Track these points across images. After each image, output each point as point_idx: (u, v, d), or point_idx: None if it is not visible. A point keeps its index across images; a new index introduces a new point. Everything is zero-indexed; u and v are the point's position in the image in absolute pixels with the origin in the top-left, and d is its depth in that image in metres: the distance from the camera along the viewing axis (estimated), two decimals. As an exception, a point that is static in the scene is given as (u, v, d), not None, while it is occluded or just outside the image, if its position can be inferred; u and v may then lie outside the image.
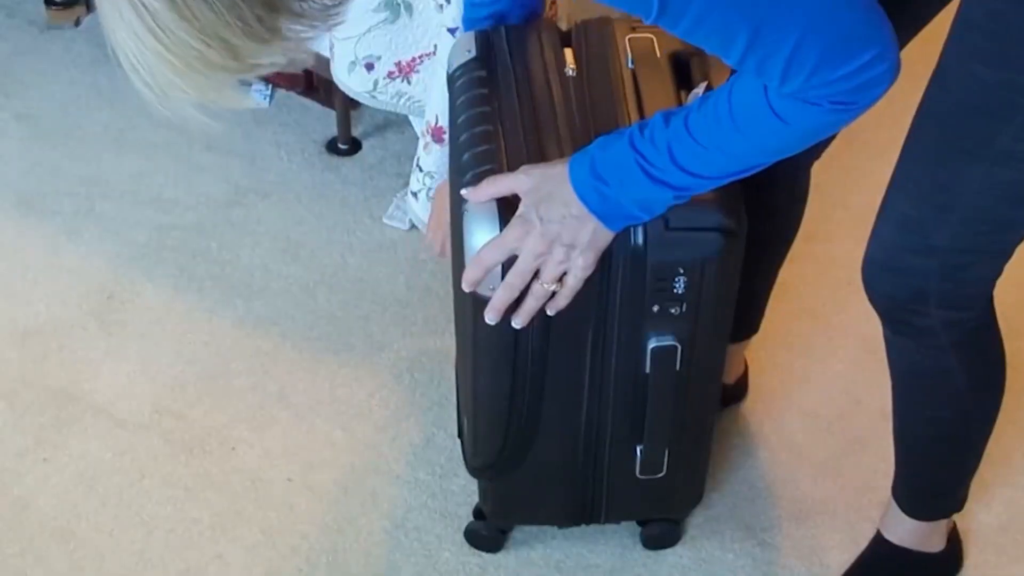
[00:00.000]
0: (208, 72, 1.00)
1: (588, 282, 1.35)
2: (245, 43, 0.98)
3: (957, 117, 1.25)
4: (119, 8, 0.97)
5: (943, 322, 1.38)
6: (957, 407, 1.49)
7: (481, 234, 1.32)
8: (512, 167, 1.35)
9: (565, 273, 1.31)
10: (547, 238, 1.28)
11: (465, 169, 1.37)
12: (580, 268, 1.30)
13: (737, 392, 1.88)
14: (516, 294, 1.32)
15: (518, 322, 1.34)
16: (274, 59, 1.01)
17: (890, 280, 1.37)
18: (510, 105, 1.43)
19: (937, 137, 1.27)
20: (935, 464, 1.59)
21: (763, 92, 1.16)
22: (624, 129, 1.27)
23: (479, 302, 1.36)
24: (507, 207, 1.32)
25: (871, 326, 1.95)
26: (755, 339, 1.83)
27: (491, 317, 1.34)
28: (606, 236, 1.29)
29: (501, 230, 1.31)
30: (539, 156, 1.38)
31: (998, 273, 1.36)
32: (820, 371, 1.94)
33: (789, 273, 1.76)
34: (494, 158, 1.36)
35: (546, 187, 1.28)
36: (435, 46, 1.85)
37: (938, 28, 1.36)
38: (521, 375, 1.44)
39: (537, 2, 1.51)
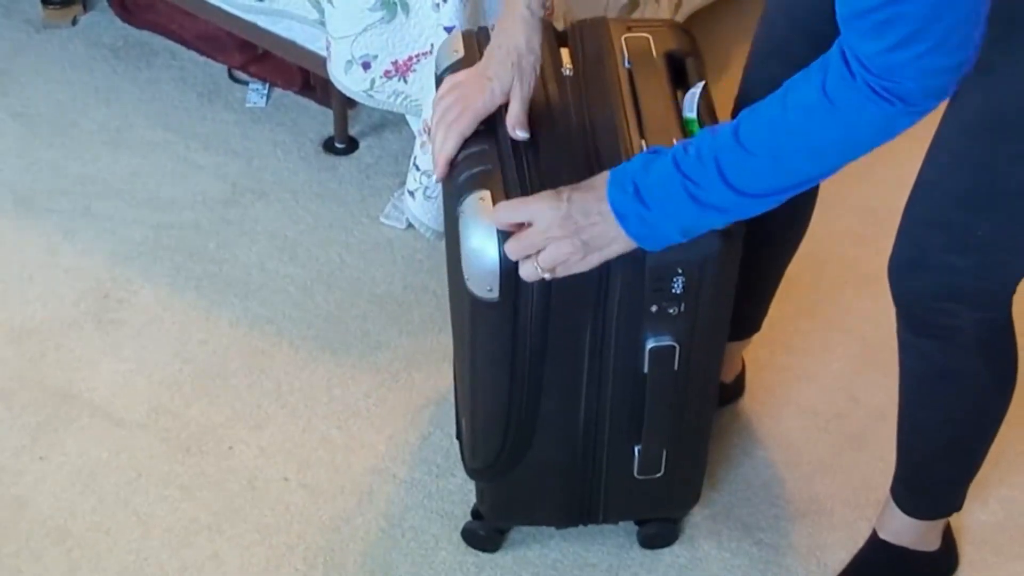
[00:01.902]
0: None
1: (587, 283, 1.35)
2: None
3: (1009, 120, 1.23)
4: None
5: (973, 322, 1.38)
6: (975, 407, 1.49)
7: (478, 237, 1.32)
8: (506, 168, 1.35)
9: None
10: (569, 227, 1.26)
11: (459, 173, 1.37)
12: (583, 265, 1.29)
13: (735, 390, 1.88)
14: (514, 260, 1.31)
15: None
16: None
17: (923, 279, 1.37)
18: (504, 106, 1.44)
19: (980, 135, 1.26)
20: (942, 465, 1.58)
21: (821, 88, 1.13)
22: (666, 149, 1.24)
23: (477, 305, 1.36)
24: None
25: (869, 325, 1.96)
26: (753, 338, 1.83)
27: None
28: (627, 248, 1.27)
29: (498, 231, 1.31)
30: (535, 156, 1.38)
31: None
32: (818, 370, 1.94)
33: (787, 272, 1.76)
34: (485, 160, 1.36)
35: (575, 203, 1.26)
36: (432, 45, 1.85)
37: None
38: (519, 375, 1.43)
39: None
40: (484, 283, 1.33)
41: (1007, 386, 1.49)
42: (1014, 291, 1.39)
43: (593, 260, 1.28)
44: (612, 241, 1.26)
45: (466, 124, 1.39)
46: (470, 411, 1.55)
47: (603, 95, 1.43)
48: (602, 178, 1.26)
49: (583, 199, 1.26)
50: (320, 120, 2.29)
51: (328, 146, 2.27)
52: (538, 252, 1.28)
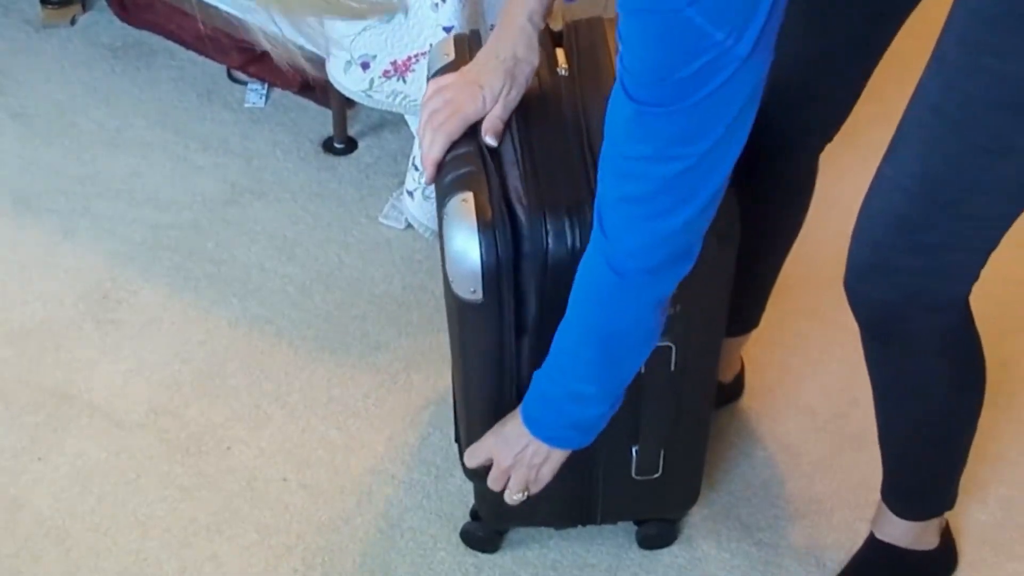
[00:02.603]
0: None
1: None
2: None
3: (967, 112, 1.22)
4: None
5: (929, 325, 1.37)
6: (942, 408, 1.49)
7: (460, 239, 1.32)
8: (491, 171, 1.35)
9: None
10: (514, 455, 1.42)
11: (445, 174, 1.37)
12: (545, 476, 1.43)
13: (734, 390, 1.88)
14: (499, 488, 1.47)
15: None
16: None
17: (881, 283, 1.35)
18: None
19: (943, 133, 1.25)
20: (922, 465, 1.58)
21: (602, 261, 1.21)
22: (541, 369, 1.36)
23: (463, 306, 1.36)
24: (482, 211, 1.32)
25: (868, 325, 1.96)
26: (752, 337, 1.83)
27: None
28: (563, 454, 1.41)
29: (479, 231, 1.31)
30: (530, 156, 1.38)
31: (980, 270, 1.35)
32: (817, 369, 1.94)
33: (785, 272, 1.75)
34: (470, 162, 1.36)
35: (507, 429, 1.43)
36: (431, 45, 1.85)
37: (919, 24, 1.36)
38: (509, 375, 1.43)
39: None
40: (467, 285, 1.33)
41: (972, 386, 1.48)
42: (969, 291, 1.37)
43: (546, 472, 1.42)
44: (548, 453, 1.40)
45: (454, 128, 1.40)
46: (465, 412, 1.55)
47: (598, 94, 1.43)
48: (520, 406, 1.41)
49: (513, 427, 1.41)
50: (319, 120, 2.29)
51: (327, 146, 2.27)
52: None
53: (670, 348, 1.41)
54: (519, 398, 1.45)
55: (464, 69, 1.42)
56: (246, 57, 2.33)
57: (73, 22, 2.49)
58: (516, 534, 1.72)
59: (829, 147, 1.62)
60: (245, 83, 2.37)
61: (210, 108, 2.32)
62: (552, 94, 1.43)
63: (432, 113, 1.41)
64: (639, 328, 1.26)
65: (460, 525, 1.71)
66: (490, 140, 1.39)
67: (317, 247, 2.10)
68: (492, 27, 1.54)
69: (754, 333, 1.82)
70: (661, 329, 1.26)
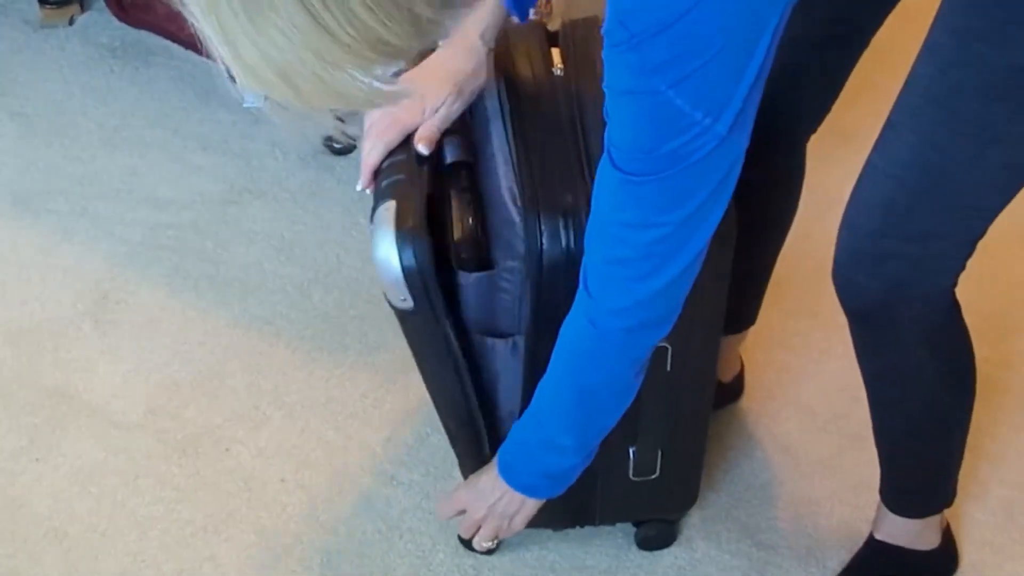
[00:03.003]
0: (373, 57, 0.85)
1: (576, 283, 1.35)
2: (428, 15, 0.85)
3: (957, 101, 1.22)
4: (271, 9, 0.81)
5: (915, 315, 1.38)
6: (931, 401, 1.49)
7: (383, 247, 1.33)
8: (501, 169, 1.35)
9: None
10: (487, 506, 1.45)
11: (380, 182, 1.39)
12: (517, 526, 1.47)
13: (733, 390, 1.88)
14: (469, 536, 1.51)
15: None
16: (446, 30, 0.90)
17: (868, 271, 1.35)
18: (495, 107, 1.43)
19: (932, 121, 1.25)
20: (916, 461, 1.58)
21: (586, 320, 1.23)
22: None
23: (401, 315, 1.39)
24: (403, 219, 1.33)
25: (868, 324, 1.95)
26: (751, 337, 1.83)
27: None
28: (537, 503, 1.45)
29: (398, 240, 1.32)
30: (525, 156, 1.37)
31: (965, 261, 1.35)
32: (816, 369, 1.93)
33: (785, 271, 1.75)
34: (400, 170, 1.38)
35: (481, 482, 1.46)
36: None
37: (911, 15, 1.35)
38: (465, 377, 1.44)
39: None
40: (396, 293, 1.35)
41: (960, 379, 1.48)
42: (954, 282, 1.37)
43: (519, 522, 1.46)
44: (522, 503, 1.44)
45: (393, 137, 1.41)
46: (441, 419, 1.56)
47: (594, 95, 1.43)
48: (495, 458, 1.44)
49: (488, 480, 1.44)
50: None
51: (326, 146, 2.26)
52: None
53: (666, 349, 1.41)
54: (482, 401, 1.46)
55: (406, 78, 1.43)
56: (245, 57, 2.32)
57: (71, 22, 2.49)
58: (515, 535, 1.71)
59: (827, 146, 1.62)
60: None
61: (209, 108, 2.32)
62: (548, 94, 1.43)
63: (374, 121, 1.42)
64: (615, 384, 1.29)
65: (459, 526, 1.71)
66: (421, 148, 1.40)
67: (316, 247, 2.09)
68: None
69: (754, 333, 1.82)
70: (637, 388, 1.29)
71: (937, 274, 1.34)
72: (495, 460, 1.44)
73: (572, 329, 1.26)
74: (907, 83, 1.28)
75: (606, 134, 1.10)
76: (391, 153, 1.40)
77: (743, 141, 1.09)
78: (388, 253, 1.32)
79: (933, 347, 1.42)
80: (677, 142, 1.04)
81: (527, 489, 1.43)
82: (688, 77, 1.00)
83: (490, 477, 1.44)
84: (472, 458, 1.56)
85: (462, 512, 1.50)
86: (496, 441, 1.51)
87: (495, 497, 1.44)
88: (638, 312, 1.19)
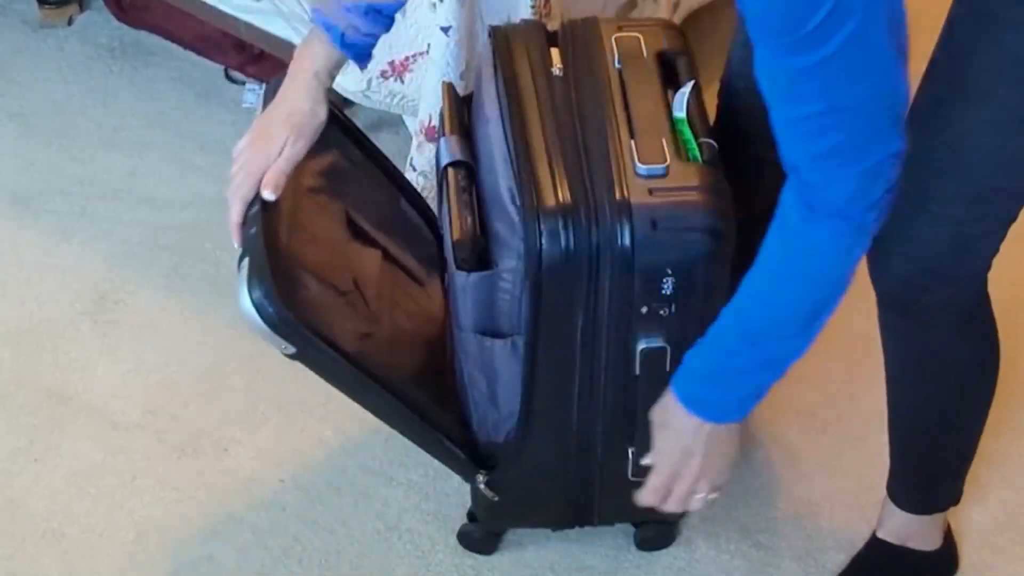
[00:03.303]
0: None
1: (577, 285, 1.35)
2: None
3: (982, 85, 1.23)
4: None
5: (947, 299, 1.38)
6: (957, 387, 1.49)
7: (242, 304, 1.34)
8: (500, 169, 1.35)
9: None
10: (685, 455, 1.35)
11: (243, 234, 1.42)
12: (718, 477, 1.37)
13: (733, 391, 1.87)
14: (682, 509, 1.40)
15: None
16: None
17: (901, 254, 1.36)
18: (494, 107, 1.43)
19: (957, 105, 1.26)
20: (933, 451, 1.58)
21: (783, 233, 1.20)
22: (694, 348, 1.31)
23: (293, 359, 1.39)
24: (256, 274, 1.33)
25: (867, 324, 1.94)
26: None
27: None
28: (733, 439, 1.36)
29: (251, 295, 1.33)
30: (526, 156, 1.37)
31: (998, 245, 1.36)
32: (815, 370, 1.93)
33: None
34: (254, 223, 1.40)
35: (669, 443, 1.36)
36: (428, 45, 1.85)
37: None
38: (384, 394, 1.46)
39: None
40: (274, 343, 1.36)
41: (987, 367, 1.48)
42: (988, 267, 1.38)
43: (730, 451, 1.37)
44: (719, 438, 1.34)
45: (247, 190, 1.42)
46: None
47: (593, 95, 1.43)
48: (672, 399, 1.33)
49: (676, 434, 1.34)
50: (317, 120, 2.28)
51: (325, 146, 2.26)
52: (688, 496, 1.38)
53: (666, 349, 1.41)
54: (434, 410, 1.49)
55: (257, 126, 1.44)
56: (244, 57, 2.32)
57: (70, 22, 2.49)
58: (514, 535, 1.71)
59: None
60: (243, 83, 2.36)
61: (208, 108, 2.32)
62: (546, 94, 1.43)
63: (232, 176, 1.44)
64: (842, 281, 1.24)
65: (458, 527, 1.71)
66: (266, 194, 1.41)
67: (315, 247, 2.09)
68: (489, 28, 1.54)
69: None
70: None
71: (971, 257, 1.35)
72: (670, 403, 1.34)
73: (801, 239, 1.20)
74: (927, 73, 1.29)
75: (748, 30, 1.09)
76: (250, 205, 1.41)
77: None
78: (247, 309, 1.34)
79: (963, 332, 1.42)
80: (821, 13, 1.03)
81: (736, 412, 1.36)
82: None
83: (679, 420, 1.35)
84: (451, 464, 1.57)
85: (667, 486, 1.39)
86: (475, 447, 1.52)
87: (700, 443, 1.35)
88: (873, 187, 1.14)
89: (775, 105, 1.13)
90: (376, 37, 1.45)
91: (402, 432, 1.55)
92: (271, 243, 1.37)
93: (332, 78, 1.44)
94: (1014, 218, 1.33)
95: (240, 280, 1.35)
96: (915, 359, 1.48)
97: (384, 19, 1.43)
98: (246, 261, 1.36)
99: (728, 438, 1.35)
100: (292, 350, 1.37)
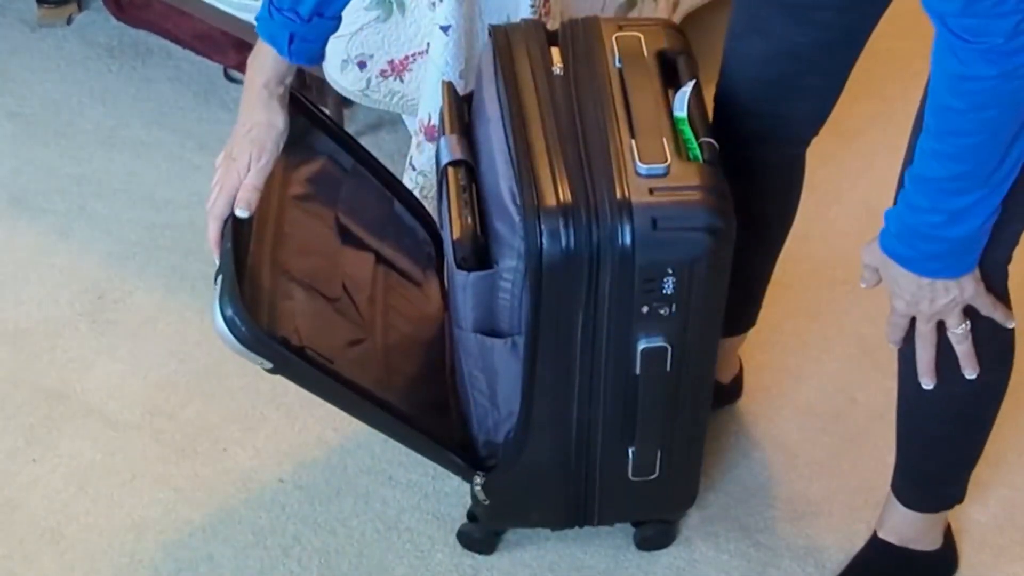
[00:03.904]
0: None
1: (577, 284, 1.35)
2: None
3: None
4: None
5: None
6: (971, 381, 1.48)
7: (218, 324, 1.35)
8: (501, 169, 1.35)
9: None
10: (914, 297, 1.35)
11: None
12: (948, 306, 1.35)
13: (732, 392, 1.87)
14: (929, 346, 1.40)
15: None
16: None
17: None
18: (495, 107, 1.43)
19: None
20: (942, 447, 1.57)
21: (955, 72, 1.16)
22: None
23: (274, 373, 1.40)
24: (227, 291, 1.35)
25: (867, 325, 1.95)
26: (750, 338, 1.82)
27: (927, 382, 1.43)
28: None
29: (224, 315, 1.34)
30: (527, 155, 1.37)
31: (1019, 236, 1.35)
32: (815, 370, 1.93)
33: (784, 272, 1.75)
34: (228, 238, 1.42)
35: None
36: (428, 44, 1.84)
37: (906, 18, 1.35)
38: (365, 404, 1.47)
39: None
40: (251, 359, 1.37)
41: (1002, 362, 1.47)
42: (1007, 260, 1.37)
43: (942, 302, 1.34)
44: (949, 287, 1.32)
45: (221, 208, 1.43)
46: None
47: (594, 94, 1.43)
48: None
49: (890, 271, 1.33)
50: (316, 119, 2.28)
51: (324, 145, 2.26)
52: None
53: (666, 349, 1.41)
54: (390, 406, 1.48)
55: (227, 145, 1.46)
56: (243, 56, 2.30)
57: (69, 21, 2.48)
58: (513, 535, 1.71)
59: (828, 146, 1.62)
60: (242, 82, 2.35)
61: (207, 107, 2.32)
62: (547, 94, 1.43)
63: (209, 195, 1.45)
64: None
65: (457, 526, 1.70)
66: (239, 212, 1.43)
67: (314, 247, 2.09)
68: (489, 27, 1.53)
69: (753, 334, 1.81)
70: None
71: (988, 249, 1.33)
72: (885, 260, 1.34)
73: (960, 88, 1.17)
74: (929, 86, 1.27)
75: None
76: (225, 222, 1.43)
77: None
78: (222, 329, 1.35)
79: (980, 326, 1.41)
80: None
81: (944, 268, 1.32)
82: None
83: (893, 278, 1.34)
84: (448, 466, 1.57)
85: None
86: (475, 446, 1.52)
87: (922, 291, 1.34)
88: (1022, 32, 1.11)
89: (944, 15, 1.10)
90: (323, 42, 1.45)
91: (394, 439, 1.56)
92: (244, 259, 1.39)
93: (285, 86, 1.46)
94: None
95: (214, 299, 1.36)
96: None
97: (328, 22, 1.44)
98: (217, 283, 1.38)
99: (952, 286, 1.33)
100: (269, 365, 1.39)
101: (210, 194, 1.45)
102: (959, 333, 1.38)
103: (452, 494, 1.75)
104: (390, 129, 2.29)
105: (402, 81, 1.92)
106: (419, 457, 1.79)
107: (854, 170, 2.15)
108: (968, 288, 1.34)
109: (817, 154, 1.62)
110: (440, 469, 1.77)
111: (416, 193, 1.92)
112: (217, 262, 1.43)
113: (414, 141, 1.93)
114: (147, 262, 2.06)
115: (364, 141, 2.26)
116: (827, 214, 2.11)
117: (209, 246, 1.45)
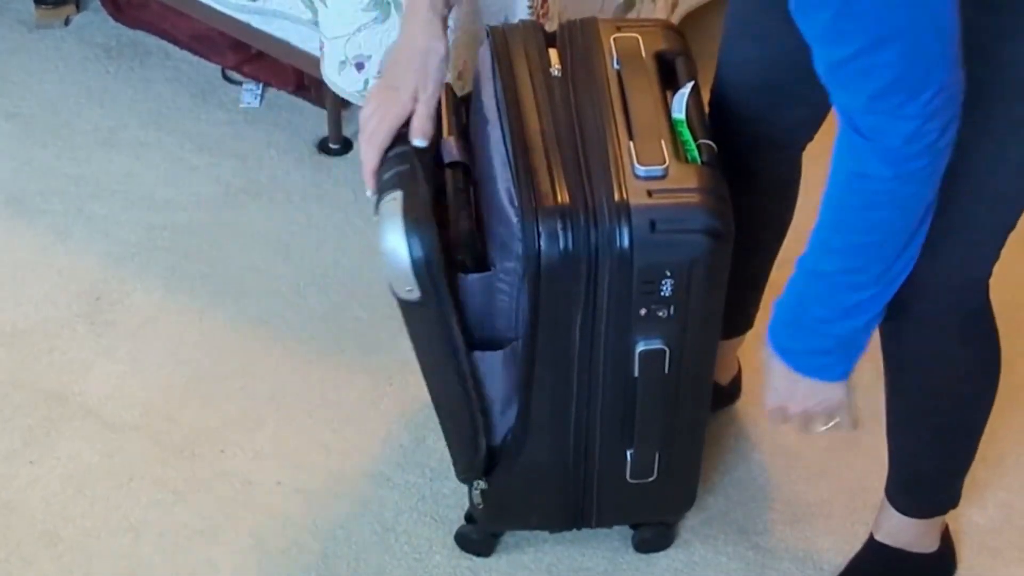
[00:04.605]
0: None
1: (575, 286, 1.35)
2: None
3: (981, 99, 1.22)
4: None
5: (948, 305, 1.38)
6: (958, 393, 1.48)
7: (391, 238, 1.32)
8: (499, 170, 1.35)
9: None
10: (788, 399, 1.37)
11: (382, 175, 1.39)
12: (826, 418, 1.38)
13: (731, 393, 1.87)
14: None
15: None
16: None
17: None
18: (493, 108, 1.43)
19: (960, 117, 1.23)
20: (933, 455, 1.57)
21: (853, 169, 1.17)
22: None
23: (406, 307, 1.38)
24: (410, 209, 1.32)
25: (865, 326, 1.95)
26: (749, 340, 1.82)
27: None
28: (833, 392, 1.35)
29: (406, 229, 1.31)
30: (525, 157, 1.37)
31: (999, 251, 1.35)
32: (814, 372, 1.93)
33: (783, 274, 1.73)
34: (404, 161, 1.38)
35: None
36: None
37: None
38: (465, 372, 1.43)
39: None
40: (403, 283, 1.34)
41: (989, 371, 1.47)
42: (989, 273, 1.38)
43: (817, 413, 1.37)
44: (820, 390, 1.34)
45: (382, 137, 1.40)
46: (437, 414, 1.55)
47: (592, 96, 1.42)
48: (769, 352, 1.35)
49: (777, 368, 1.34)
50: (314, 121, 2.28)
51: (322, 147, 2.26)
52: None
53: (664, 351, 1.41)
54: (479, 397, 1.45)
55: (385, 73, 1.43)
56: (241, 57, 2.32)
57: (67, 22, 2.48)
58: (511, 537, 1.71)
59: (826, 145, 1.61)
60: (240, 83, 2.36)
61: (205, 108, 2.31)
62: (544, 95, 1.42)
63: (364, 123, 1.42)
64: (917, 213, 1.21)
65: (455, 528, 1.70)
66: (418, 142, 1.40)
67: (312, 248, 2.09)
68: (487, 28, 1.53)
69: (751, 336, 1.81)
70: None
71: (971, 265, 1.34)
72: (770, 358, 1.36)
73: (862, 182, 1.17)
74: None
75: None
76: (388, 149, 1.40)
77: None
78: (396, 243, 1.32)
79: (964, 337, 1.41)
80: None
81: (820, 369, 1.34)
82: None
83: (779, 368, 1.36)
84: (465, 456, 1.55)
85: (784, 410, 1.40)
86: (495, 450, 1.51)
87: (795, 389, 1.35)
88: (929, 127, 1.11)
89: (819, 51, 1.10)
90: None
91: (446, 412, 1.51)
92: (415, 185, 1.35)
93: (449, 8, 1.40)
94: (1014, 225, 1.32)
95: (388, 217, 1.32)
96: (916, 365, 1.47)
97: None
98: (397, 195, 1.33)
99: (824, 389, 1.34)
100: (416, 296, 1.34)
101: (365, 123, 1.41)
102: (822, 430, 1.40)
103: (450, 496, 1.75)
104: (388, 130, 2.28)
105: (400, 82, 1.92)
106: (417, 459, 1.80)
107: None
108: (837, 396, 1.35)
109: (815, 154, 1.62)
110: (438, 471, 1.78)
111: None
112: (370, 191, 1.40)
113: (412, 142, 1.92)
114: (146, 263, 2.06)
115: (362, 142, 2.27)
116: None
117: (363, 176, 1.41)
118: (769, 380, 1.37)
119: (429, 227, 1.31)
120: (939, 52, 1.09)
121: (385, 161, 1.39)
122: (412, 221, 1.32)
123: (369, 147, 1.41)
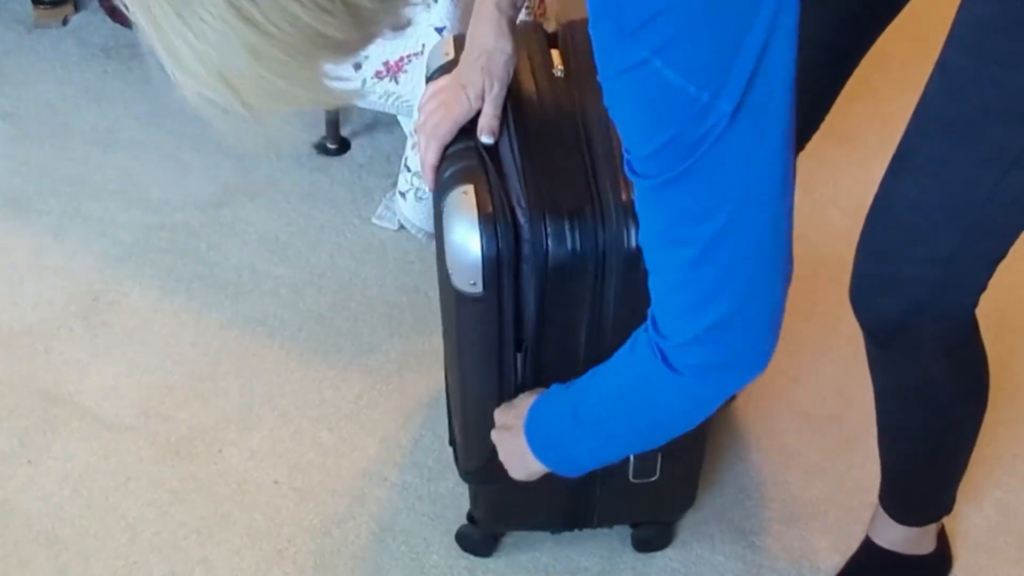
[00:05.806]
0: (315, 53, 0.82)
1: (583, 284, 1.34)
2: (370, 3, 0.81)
3: (975, 124, 1.21)
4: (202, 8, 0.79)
5: (935, 333, 1.36)
6: (946, 417, 1.48)
7: (460, 231, 1.31)
8: (501, 167, 1.35)
9: None
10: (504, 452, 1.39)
11: (444, 170, 1.37)
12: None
13: (728, 394, 1.87)
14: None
15: None
16: (390, 21, 0.84)
17: (888, 293, 1.34)
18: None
19: (951, 145, 1.23)
20: (924, 474, 1.58)
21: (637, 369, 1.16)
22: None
23: (462, 300, 1.36)
24: (482, 203, 1.31)
25: (863, 327, 1.95)
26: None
27: None
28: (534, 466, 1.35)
29: (480, 223, 1.30)
30: (529, 158, 1.37)
31: (987, 280, 1.34)
32: (811, 372, 1.93)
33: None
34: (469, 156, 1.36)
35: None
36: (423, 45, 1.84)
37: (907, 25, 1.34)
38: (507, 369, 1.42)
39: None
40: (467, 277, 1.33)
41: (979, 392, 1.47)
42: (976, 302, 1.36)
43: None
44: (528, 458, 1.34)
45: (445, 132, 1.40)
46: (461, 410, 1.54)
47: (595, 95, 1.42)
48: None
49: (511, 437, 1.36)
50: (312, 121, 2.28)
51: (320, 147, 2.26)
52: None
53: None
54: (513, 396, 1.44)
55: (455, 71, 1.42)
56: (238, 57, 2.31)
57: (65, 22, 2.48)
58: (510, 537, 1.71)
59: (825, 148, 1.61)
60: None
61: (202, 109, 2.31)
62: (549, 95, 1.42)
63: (427, 116, 1.41)
64: (674, 423, 1.20)
65: (453, 528, 1.70)
66: (486, 139, 1.39)
67: (309, 248, 2.09)
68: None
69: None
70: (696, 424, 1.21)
71: (959, 294, 1.33)
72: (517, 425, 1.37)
73: (635, 362, 1.15)
74: (920, 104, 1.26)
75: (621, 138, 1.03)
76: (450, 145, 1.39)
77: (771, 127, 0.96)
78: (466, 237, 1.30)
79: (952, 363, 1.41)
80: (676, 127, 0.94)
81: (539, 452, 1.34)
82: (672, 41, 0.90)
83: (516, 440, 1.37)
84: (480, 456, 1.55)
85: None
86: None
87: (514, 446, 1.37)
88: (701, 349, 1.07)
89: (640, 215, 1.06)
90: None
91: (473, 408, 1.50)
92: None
93: (516, 8, 1.39)
94: (1004, 255, 1.30)
95: (459, 210, 1.31)
96: (903, 391, 1.47)
97: None
98: (468, 189, 1.32)
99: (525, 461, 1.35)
100: (479, 291, 1.33)
101: (427, 119, 1.41)
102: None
103: (448, 495, 1.75)
104: (386, 130, 2.29)
105: (397, 82, 1.92)
106: (414, 459, 1.80)
107: (849, 172, 2.15)
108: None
109: (813, 156, 1.62)
110: (436, 470, 1.78)
111: (411, 195, 1.92)
112: (429, 185, 1.40)
113: (409, 142, 1.93)
114: (142, 264, 2.06)
115: (360, 142, 2.27)
116: (825, 216, 2.11)
117: (420, 168, 1.41)
118: (504, 458, 1.39)
119: (506, 224, 1.31)
120: (736, 294, 1.07)
121: (446, 157, 1.39)
122: (486, 217, 1.31)
123: (433, 141, 1.39)
